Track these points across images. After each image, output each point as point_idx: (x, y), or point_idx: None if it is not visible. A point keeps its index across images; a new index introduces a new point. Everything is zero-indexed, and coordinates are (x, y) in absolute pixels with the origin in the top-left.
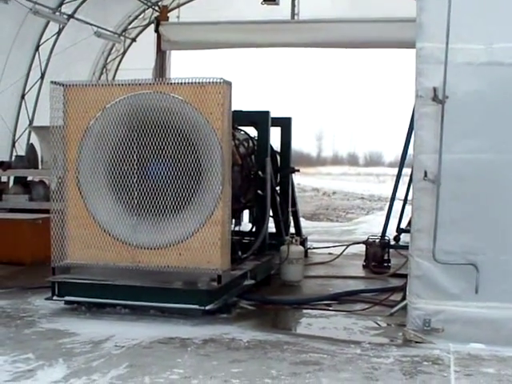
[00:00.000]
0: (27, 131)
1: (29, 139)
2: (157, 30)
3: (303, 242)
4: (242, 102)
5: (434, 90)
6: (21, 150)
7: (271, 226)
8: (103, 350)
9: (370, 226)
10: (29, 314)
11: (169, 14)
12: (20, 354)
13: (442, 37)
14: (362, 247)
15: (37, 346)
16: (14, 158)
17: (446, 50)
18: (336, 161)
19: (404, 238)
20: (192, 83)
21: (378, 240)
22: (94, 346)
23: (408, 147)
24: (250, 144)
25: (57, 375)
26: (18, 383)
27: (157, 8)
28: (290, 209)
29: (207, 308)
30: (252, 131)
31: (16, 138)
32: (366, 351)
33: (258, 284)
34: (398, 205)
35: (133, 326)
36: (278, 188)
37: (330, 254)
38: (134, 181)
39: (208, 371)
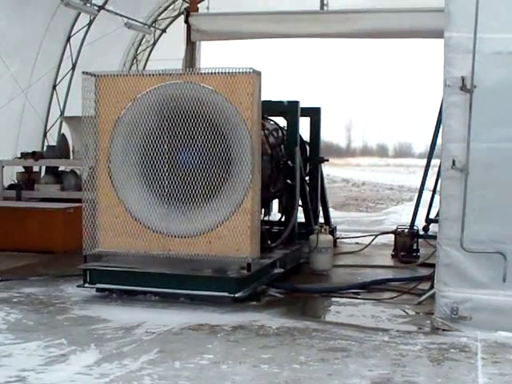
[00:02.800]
0: (59, 121)
1: (60, 129)
2: (186, 21)
3: (332, 232)
4: (271, 92)
5: (463, 79)
6: (52, 140)
7: (300, 216)
8: (134, 335)
9: (399, 216)
10: (61, 301)
11: (198, 5)
12: (53, 339)
13: (471, 26)
14: (391, 237)
15: (69, 331)
16: (45, 148)
17: (475, 40)
18: (365, 152)
19: (433, 227)
20: (222, 73)
21: (406, 230)
22: (125, 332)
23: (437, 137)
24: (280, 134)
25: (89, 360)
26: (51, 367)
27: None
28: (319, 198)
29: (237, 296)
30: (281, 121)
31: (47, 128)
32: (394, 338)
33: (287, 272)
34: (427, 195)
35: (163, 313)
36: (307, 178)
37: (356, 243)
38: (165, 170)
39: (237, 357)
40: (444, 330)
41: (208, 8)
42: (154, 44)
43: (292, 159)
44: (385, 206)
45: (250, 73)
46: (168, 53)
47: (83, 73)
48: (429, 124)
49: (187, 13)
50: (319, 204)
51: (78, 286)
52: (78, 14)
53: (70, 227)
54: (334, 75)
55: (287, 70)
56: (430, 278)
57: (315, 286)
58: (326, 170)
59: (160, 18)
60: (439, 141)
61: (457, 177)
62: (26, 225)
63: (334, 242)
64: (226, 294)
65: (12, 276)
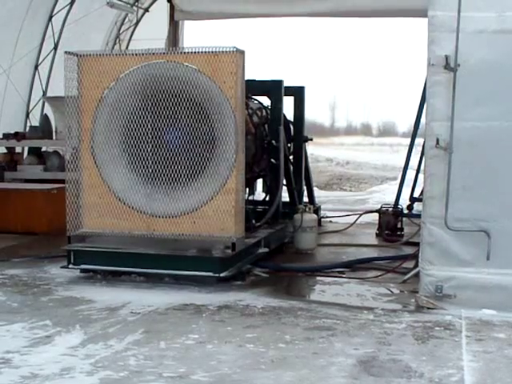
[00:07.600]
0: (41, 102)
1: (43, 110)
2: (169, 0)
3: (316, 211)
4: (255, 71)
5: (446, 58)
6: (35, 120)
7: (284, 195)
8: (119, 316)
9: (384, 195)
10: (45, 283)
11: None
12: (37, 320)
13: (454, 5)
14: (376, 216)
15: (54, 313)
16: (28, 128)
17: (458, 18)
18: (349, 131)
19: (417, 206)
20: (205, 52)
21: (391, 209)
22: (110, 312)
23: (421, 116)
24: (264, 113)
25: (74, 341)
26: (36, 349)
27: None
28: (303, 177)
29: (221, 275)
30: (265, 100)
31: (30, 108)
32: (379, 317)
33: (272, 252)
34: (411, 174)
35: (148, 294)
36: (291, 157)
37: (330, 221)
38: (149, 150)
39: (223, 336)
40: (429, 308)
41: None
42: (137, 23)
43: (276, 138)
44: (369, 185)
45: (233, 52)
46: (151, 32)
47: (66, 52)
48: (413, 103)
49: None
50: (303, 183)
51: (62, 267)
52: None
53: (53, 208)
54: (318, 54)
55: (271, 49)
56: (415, 257)
57: (300, 265)
58: (310, 149)
59: None
60: (423, 120)
61: (440, 155)
62: (9, 206)
63: (319, 221)
64: (210, 273)
65: None
